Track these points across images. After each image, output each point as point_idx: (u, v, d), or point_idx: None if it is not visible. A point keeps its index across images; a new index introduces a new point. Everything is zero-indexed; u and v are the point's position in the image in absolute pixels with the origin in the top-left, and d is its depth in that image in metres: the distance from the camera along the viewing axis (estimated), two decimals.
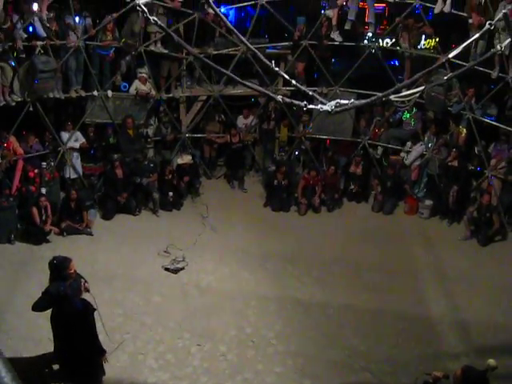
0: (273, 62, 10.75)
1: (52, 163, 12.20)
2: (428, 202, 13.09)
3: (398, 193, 13.45)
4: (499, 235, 12.14)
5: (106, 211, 12.23)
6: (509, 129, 12.34)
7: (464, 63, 11.17)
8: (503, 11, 7.23)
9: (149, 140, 13.48)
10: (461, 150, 12.81)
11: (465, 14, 11.92)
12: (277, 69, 6.12)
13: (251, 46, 6.63)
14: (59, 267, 6.39)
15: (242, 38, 6.68)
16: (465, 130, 12.94)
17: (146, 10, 5.17)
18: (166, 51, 12.90)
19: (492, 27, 6.41)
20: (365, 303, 9.57)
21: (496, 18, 8.96)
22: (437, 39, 16.99)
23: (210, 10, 11.74)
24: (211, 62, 6.66)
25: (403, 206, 13.48)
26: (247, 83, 7.95)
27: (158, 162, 13.20)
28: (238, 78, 6.56)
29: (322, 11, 13.52)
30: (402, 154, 13.67)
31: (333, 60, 14.35)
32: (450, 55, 6.50)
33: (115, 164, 12.21)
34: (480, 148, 12.70)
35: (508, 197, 12.49)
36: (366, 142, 14.03)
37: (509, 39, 7.77)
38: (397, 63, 15.05)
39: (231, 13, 19.74)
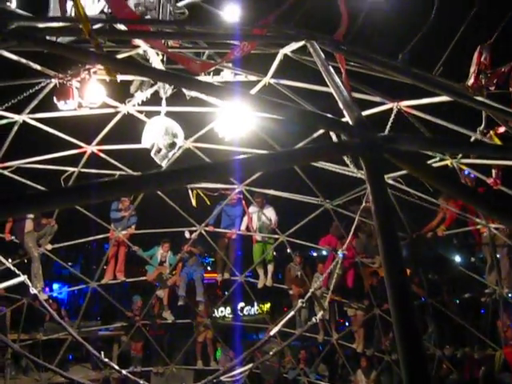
0: (102, 353, 10.34)
1: None
2: None
3: None
4: None
5: None
6: None
7: (292, 331, 12.03)
8: (311, 290, 8.29)
9: None
10: None
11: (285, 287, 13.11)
12: (106, 359, 6.02)
13: (80, 339, 6.59)
14: None
15: (69, 330, 6.65)
16: None
17: None
18: None
19: (304, 304, 7.14)
20: None
21: (308, 295, 10.22)
22: (268, 305, 18.14)
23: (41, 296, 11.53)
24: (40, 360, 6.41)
25: None
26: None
27: None
28: (64, 373, 6.33)
29: (157, 286, 13.83)
30: None
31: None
32: (273, 331, 7.00)
33: None
34: None
35: None
36: None
37: (321, 312, 8.73)
38: None
39: (64, 290, 19.64)
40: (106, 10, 8.58)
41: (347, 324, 13.37)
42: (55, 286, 18.29)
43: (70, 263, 18.45)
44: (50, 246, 12.15)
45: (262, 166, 2.62)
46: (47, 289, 14.36)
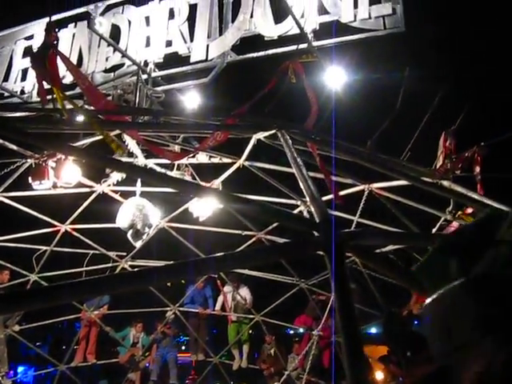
0: None
1: None
2: None
3: None
4: None
5: None
6: None
7: None
8: (287, 372, 8.17)
9: None
10: None
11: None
12: None
13: None
14: None
15: None
16: None
17: None
18: None
19: None
20: None
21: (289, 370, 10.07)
22: None
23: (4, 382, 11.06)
24: None
25: None
26: None
27: None
28: None
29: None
30: None
31: None
32: None
33: None
34: None
35: None
36: None
37: None
38: None
39: (30, 374, 18.81)
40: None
41: None
42: (20, 369, 17.54)
43: (37, 343, 17.85)
44: (17, 328, 11.78)
45: (233, 265, 2.68)
46: (11, 372, 13.77)
